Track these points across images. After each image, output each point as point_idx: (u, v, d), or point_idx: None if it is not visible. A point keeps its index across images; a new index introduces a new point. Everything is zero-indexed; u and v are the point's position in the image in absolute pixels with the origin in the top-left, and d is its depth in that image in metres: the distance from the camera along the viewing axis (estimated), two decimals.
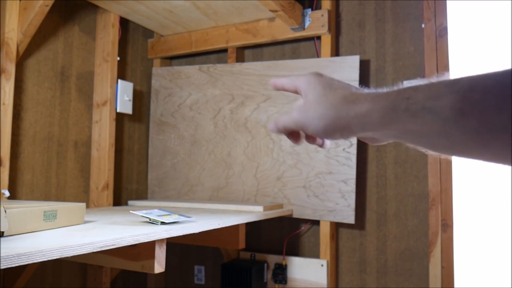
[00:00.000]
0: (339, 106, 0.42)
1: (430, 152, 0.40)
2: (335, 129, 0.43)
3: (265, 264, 1.79)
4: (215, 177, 1.90)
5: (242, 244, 1.52)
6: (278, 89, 0.57)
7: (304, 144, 1.71)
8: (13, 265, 0.63)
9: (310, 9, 1.77)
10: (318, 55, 1.82)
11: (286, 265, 1.76)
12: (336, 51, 1.81)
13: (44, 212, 0.92)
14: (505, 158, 0.32)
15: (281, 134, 0.52)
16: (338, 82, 0.46)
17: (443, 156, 0.40)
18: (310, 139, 0.53)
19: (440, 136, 0.35)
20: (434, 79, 0.36)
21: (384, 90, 0.40)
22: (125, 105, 1.90)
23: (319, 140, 0.53)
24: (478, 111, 0.31)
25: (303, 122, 0.46)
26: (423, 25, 1.65)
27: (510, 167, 0.34)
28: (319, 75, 0.47)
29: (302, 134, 0.53)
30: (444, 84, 0.35)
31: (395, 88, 0.39)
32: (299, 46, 1.90)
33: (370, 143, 0.49)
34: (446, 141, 0.35)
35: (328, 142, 0.54)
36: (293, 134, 0.53)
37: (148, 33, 2.15)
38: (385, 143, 0.49)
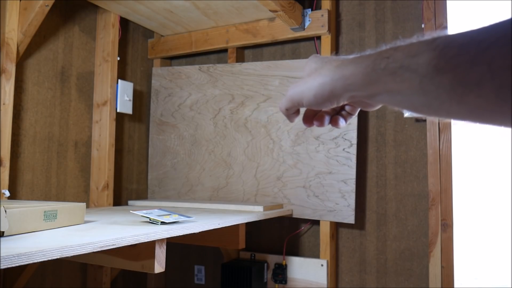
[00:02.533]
0: (327, 73, 0.44)
1: (414, 115, 0.42)
2: (323, 95, 0.44)
3: (265, 264, 1.79)
4: (215, 177, 1.90)
5: (242, 244, 1.52)
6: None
7: (304, 144, 1.72)
8: (13, 265, 0.63)
9: (310, 9, 1.77)
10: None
11: (286, 265, 1.76)
12: (336, 51, 1.81)
13: (44, 212, 0.92)
14: (479, 114, 0.33)
15: (292, 118, 0.53)
16: (334, 57, 0.47)
17: (425, 117, 0.41)
18: (315, 118, 0.53)
19: (418, 94, 0.35)
20: (414, 38, 0.38)
21: (368, 52, 0.42)
22: (125, 105, 1.90)
23: (323, 119, 0.54)
24: (452, 67, 0.32)
25: (297, 97, 0.47)
26: (423, 25, 1.65)
27: (483, 125, 0.35)
28: (317, 55, 0.49)
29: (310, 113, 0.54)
30: (423, 42, 0.36)
31: (378, 49, 0.41)
32: (299, 46, 1.91)
33: (363, 108, 0.50)
34: (424, 98, 0.35)
35: (342, 122, 0.54)
36: (306, 116, 0.54)
37: (148, 33, 2.15)
38: (377, 108, 0.50)
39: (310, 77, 0.46)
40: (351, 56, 0.44)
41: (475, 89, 0.31)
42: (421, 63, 0.34)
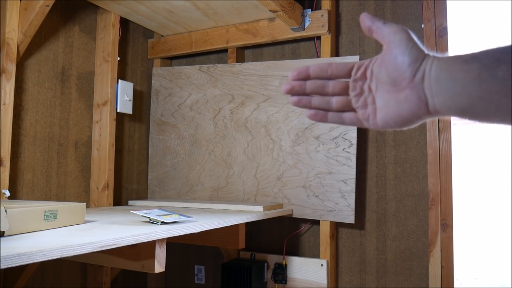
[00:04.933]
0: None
1: (456, 116, 0.42)
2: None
3: (265, 264, 1.79)
4: (215, 177, 1.90)
5: (242, 244, 1.53)
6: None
7: (304, 144, 1.72)
8: (13, 265, 0.63)
9: (310, 9, 1.77)
10: (318, 55, 1.82)
11: (286, 265, 1.76)
12: (336, 51, 1.81)
13: (45, 212, 0.92)
14: None
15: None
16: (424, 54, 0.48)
17: (469, 120, 0.42)
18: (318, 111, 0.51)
19: (474, 84, 0.38)
20: None
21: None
22: (125, 105, 1.90)
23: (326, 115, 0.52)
24: (509, 60, 0.36)
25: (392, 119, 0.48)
26: (423, 25, 1.65)
27: None
28: (410, 39, 0.46)
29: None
30: (504, 45, 0.39)
31: None
32: (299, 46, 1.91)
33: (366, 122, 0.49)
34: (479, 90, 0.38)
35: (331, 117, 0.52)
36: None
37: (148, 33, 2.15)
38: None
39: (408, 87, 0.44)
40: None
41: None
42: (487, 54, 0.38)
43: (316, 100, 0.51)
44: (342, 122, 0.51)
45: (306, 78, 0.50)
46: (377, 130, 0.48)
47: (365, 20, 0.48)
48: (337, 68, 0.49)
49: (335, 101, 0.51)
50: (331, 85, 0.50)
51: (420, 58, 0.43)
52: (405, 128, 0.46)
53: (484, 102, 0.38)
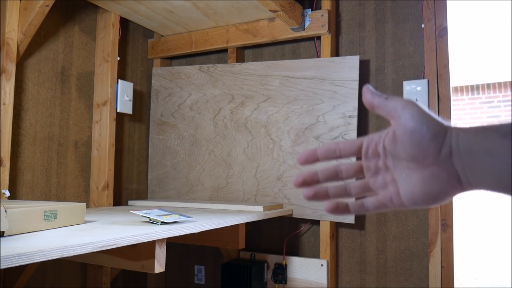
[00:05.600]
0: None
1: (499, 193, 0.40)
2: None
3: (265, 264, 1.79)
4: (215, 177, 1.90)
5: (242, 244, 1.53)
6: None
7: (304, 144, 1.72)
8: (13, 265, 0.63)
9: (310, 9, 1.77)
10: (318, 55, 1.82)
11: (286, 265, 1.76)
12: (336, 51, 1.81)
13: (45, 212, 0.92)
14: None
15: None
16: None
17: (505, 195, 0.39)
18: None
19: (506, 155, 0.35)
20: None
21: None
22: (125, 105, 1.90)
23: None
24: None
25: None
26: (423, 25, 1.65)
27: None
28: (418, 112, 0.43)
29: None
30: None
31: None
32: (299, 46, 1.91)
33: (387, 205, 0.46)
34: (506, 162, 0.35)
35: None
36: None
37: (148, 33, 2.15)
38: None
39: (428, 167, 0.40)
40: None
41: None
42: None
43: (332, 190, 0.47)
44: (366, 210, 0.47)
45: (315, 161, 0.47)
46: (402, 209, 0.44)
47: (366, 94, 0.45)
48: (345, 147, 0.46)
49: (353, 187, 0.47)
50: (344, 169, 0.47)
51: (442, 131, 0.40)
52: (435, 205, 0.44)
53: None
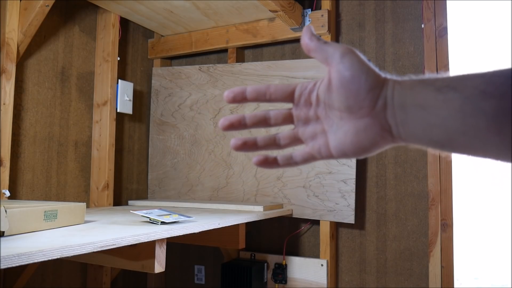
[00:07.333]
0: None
1: (428, 148, 0.38)
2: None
3: (265, 264, 1.79)
4: (215, 177, 1.90)
5: (242, 244, 1.53)
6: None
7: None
8: (13, 265, 0.63)
9: (310, 9, 1.77)
10: None
11: (286, 265, 1.76)
12: None
13: (45, 212, 0.92)
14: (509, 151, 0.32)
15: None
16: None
17: (443, 153, 0.38)
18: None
19: (456, 117, 0.34)
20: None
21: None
22: (125, 105, 1.90)
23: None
24: (500, 93, 0.32)
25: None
26: (422, 25, 1.65)
27: (510, 164, 0.34)
28: (355, 57, 0.41)
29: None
30: (472, 73, 0.36)
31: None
32: (299, 46, 1.91)
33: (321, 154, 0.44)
34: (460, 124, 0.34)
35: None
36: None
37: (148, 33, 2.15)
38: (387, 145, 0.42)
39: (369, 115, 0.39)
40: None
41: None
42: (468, 85, 0.34)
43: (261, 140, 0.45)
44: (295, 163, 0.45)
45: (243, 100, 0.44)
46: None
47: (304, 36, 0.42)
48: (276, 92, 0.44)
49: (282, 137, 0.45)
50: (273, 116, 0.45)
51: (379, 83, 0.38)
52: (363, 157, 0.42)
53: (468, 137, 0.34)
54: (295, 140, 0.45)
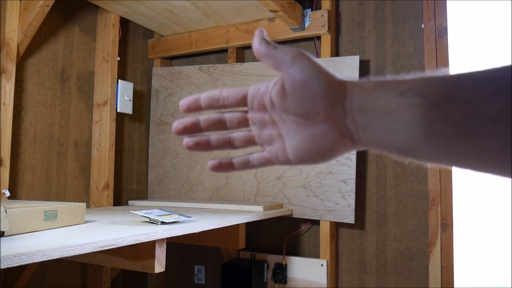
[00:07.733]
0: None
1: (391, 154, 0.36)
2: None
3: (265, 264, 1.79)
4: (215, 177, 1.90)
5: (242, 244, 1.53)
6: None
7: None
8: (13, 265, 0.63)
9: (310, 9, 1.77)
10: (318, 55, 1.82)
11: (286, 265, 1.76)
12: (336, 51, 1.81)
13: (45, 212, 0.92)
14: (485, 156, 0.31)
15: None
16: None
17: (406, 160, 0.36)
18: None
19: (421, 123, 0.32)
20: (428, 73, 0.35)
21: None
22: (125, 105, 1.90)
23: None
24: (468, 99, 0.30)
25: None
26: (422, 25, 1.65)
27: (482, 173, 0.32)
28: (306, 61, 0.39)
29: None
30: (436, 75, 0.34)
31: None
32: (299, 46, 1.91)
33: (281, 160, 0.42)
34: (426, 130, 0.32)
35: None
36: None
37: (148, 33, 2.15)
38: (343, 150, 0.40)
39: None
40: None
41: (490, 126, 0.29)
42: (433, 90, 0.32)
43: (215, 140, 0.44)
44: (251, 166, 0.43)
45: (198, 108, 0.42)
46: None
47: (255, 41, 0.40)
48: (228, 96, 0.42)
49: (237, 139, 0.43)
50: (228, 119, 0.43)
51: (334, 86, 0.36)
52: (323, 162, 0.40)
53: (433, 144, 0.32)
54: (251, 143, 0.43)
